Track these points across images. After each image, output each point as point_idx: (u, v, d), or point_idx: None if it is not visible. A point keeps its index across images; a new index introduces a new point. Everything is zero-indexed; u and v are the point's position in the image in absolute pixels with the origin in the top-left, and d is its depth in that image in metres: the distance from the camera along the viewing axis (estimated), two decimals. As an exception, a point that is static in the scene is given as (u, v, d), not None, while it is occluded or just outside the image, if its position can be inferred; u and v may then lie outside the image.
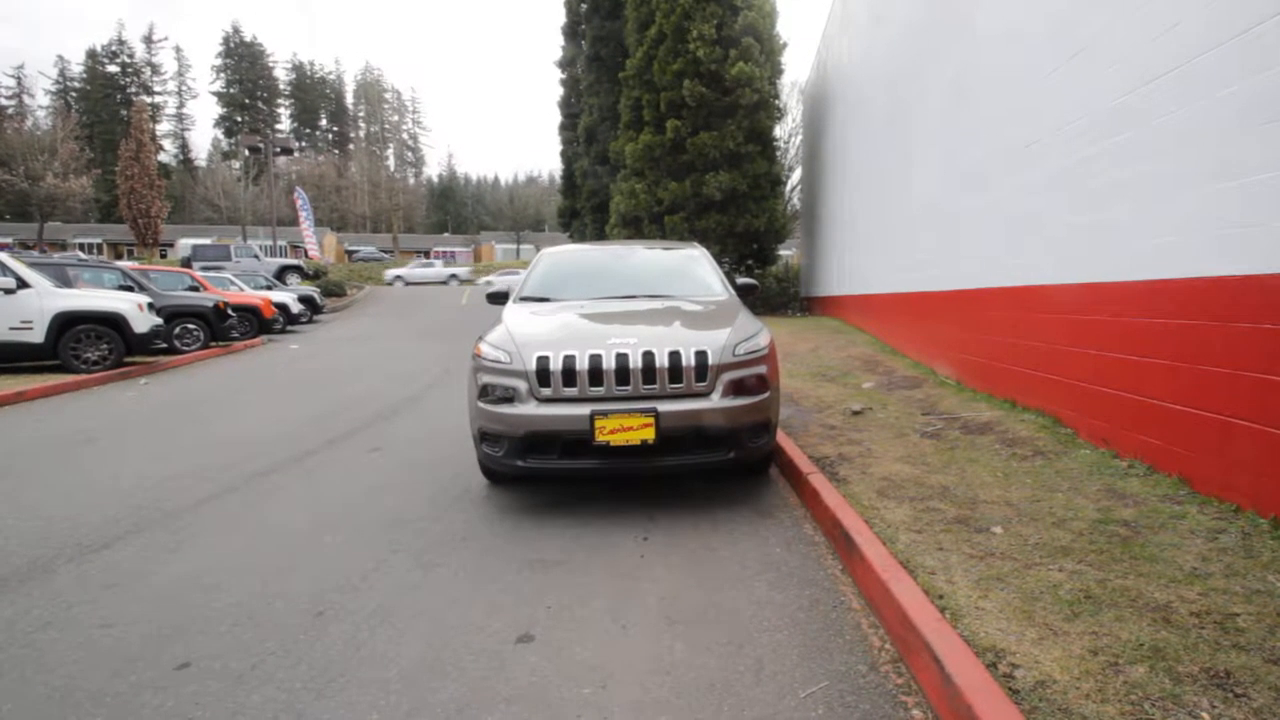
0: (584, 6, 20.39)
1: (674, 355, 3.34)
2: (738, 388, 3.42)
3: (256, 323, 14.31)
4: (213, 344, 12.01)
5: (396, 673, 2.13)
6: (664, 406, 3.26)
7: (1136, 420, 3.62)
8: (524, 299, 4.58)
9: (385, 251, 51.67)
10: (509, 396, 3.42)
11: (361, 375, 9.19)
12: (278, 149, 28.77)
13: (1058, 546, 2.69)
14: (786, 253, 22.07)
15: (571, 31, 22.75)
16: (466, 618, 2.49)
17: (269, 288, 18.34)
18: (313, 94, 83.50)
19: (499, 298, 4.80)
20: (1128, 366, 3.70)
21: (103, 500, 3.95)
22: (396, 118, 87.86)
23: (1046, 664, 1.88)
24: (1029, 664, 1.88)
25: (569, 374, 3.33)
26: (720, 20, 14.37)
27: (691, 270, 4.90)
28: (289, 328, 16.52)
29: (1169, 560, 2.51)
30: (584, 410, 3.25)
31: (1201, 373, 3.12)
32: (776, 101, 15.76)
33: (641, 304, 4.24)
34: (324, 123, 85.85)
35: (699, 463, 3.40)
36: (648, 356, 3.32)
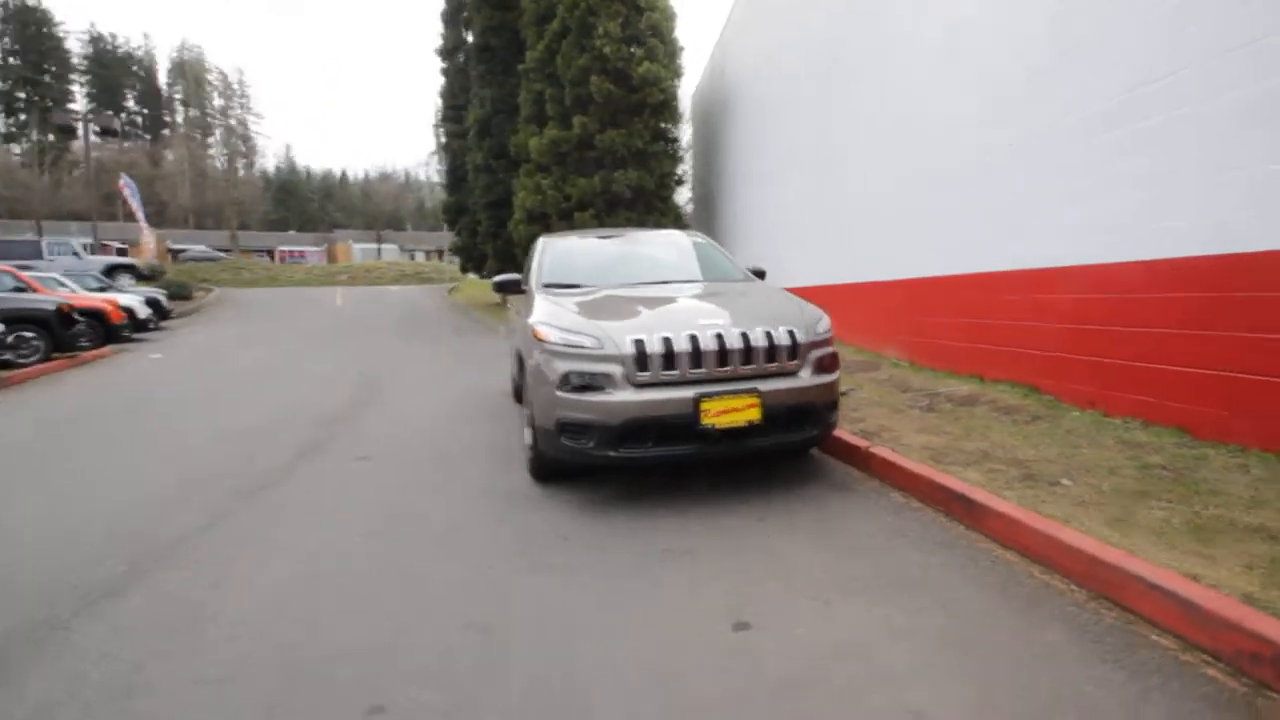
0: (468, -7, 19.59)
1: (768, 335, 3.34)
2: (820, 365, 3.50)
3: (103, 329, 12.16)
4: (54, 355, 10.02)
5: (634, 679, 1.95)
6: (764, 386, 3.26)
7: (1125, 382, 4.18)
8: (549, 285, 4.35)
9: (223, 250, 45.92)
10: (597, 383, 3.23)
11: (271, 385, 8.15)
12: (98, 127, 24.51)
13: (1132, 491, 3.05)
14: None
15: (452, 19, 21.70)
16: (656, 614, 2.33)
17: (103, 289, 15.66)
18: (117, 70, 71.91)
19: (510, 285, 4.53)
20: (1115, 337, 4.27)
21: (52, 540, 3.18)
22: (222, 102, 78.13)
23: (1231, 581, 2.14)
24: (1221, 582, 2.13)
25: (668, 357, 3.21)
26: (625, 18, 14.46)
27: (708, 254, 4.92)
28: (135, 335, 14.23)
29: (1227, 493, 2.95)
30: (688, 394, 3.16)
31: (1197, 337, 3.69)
32: (676, 103, 16.16)
33: (687, 287, 4.19)
34: (131, 104, 74.31)
35: (789, 441, 3.44)
36: (744, 337, 3.30)
